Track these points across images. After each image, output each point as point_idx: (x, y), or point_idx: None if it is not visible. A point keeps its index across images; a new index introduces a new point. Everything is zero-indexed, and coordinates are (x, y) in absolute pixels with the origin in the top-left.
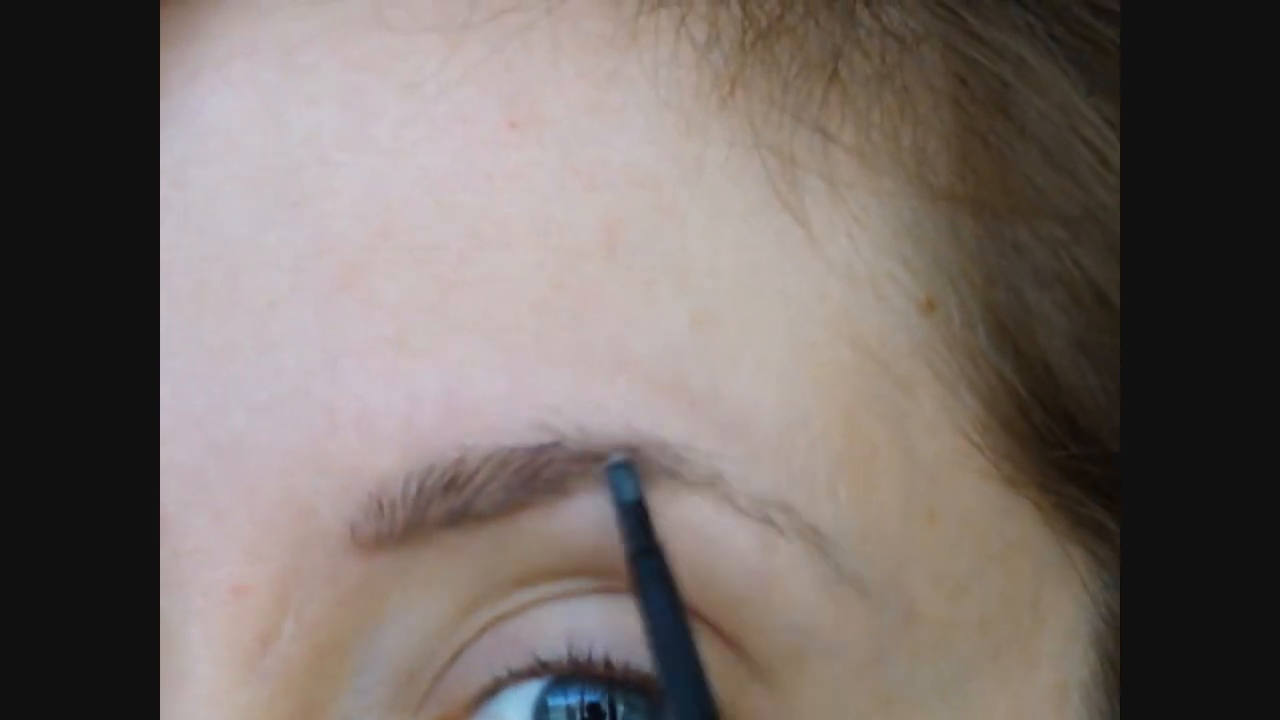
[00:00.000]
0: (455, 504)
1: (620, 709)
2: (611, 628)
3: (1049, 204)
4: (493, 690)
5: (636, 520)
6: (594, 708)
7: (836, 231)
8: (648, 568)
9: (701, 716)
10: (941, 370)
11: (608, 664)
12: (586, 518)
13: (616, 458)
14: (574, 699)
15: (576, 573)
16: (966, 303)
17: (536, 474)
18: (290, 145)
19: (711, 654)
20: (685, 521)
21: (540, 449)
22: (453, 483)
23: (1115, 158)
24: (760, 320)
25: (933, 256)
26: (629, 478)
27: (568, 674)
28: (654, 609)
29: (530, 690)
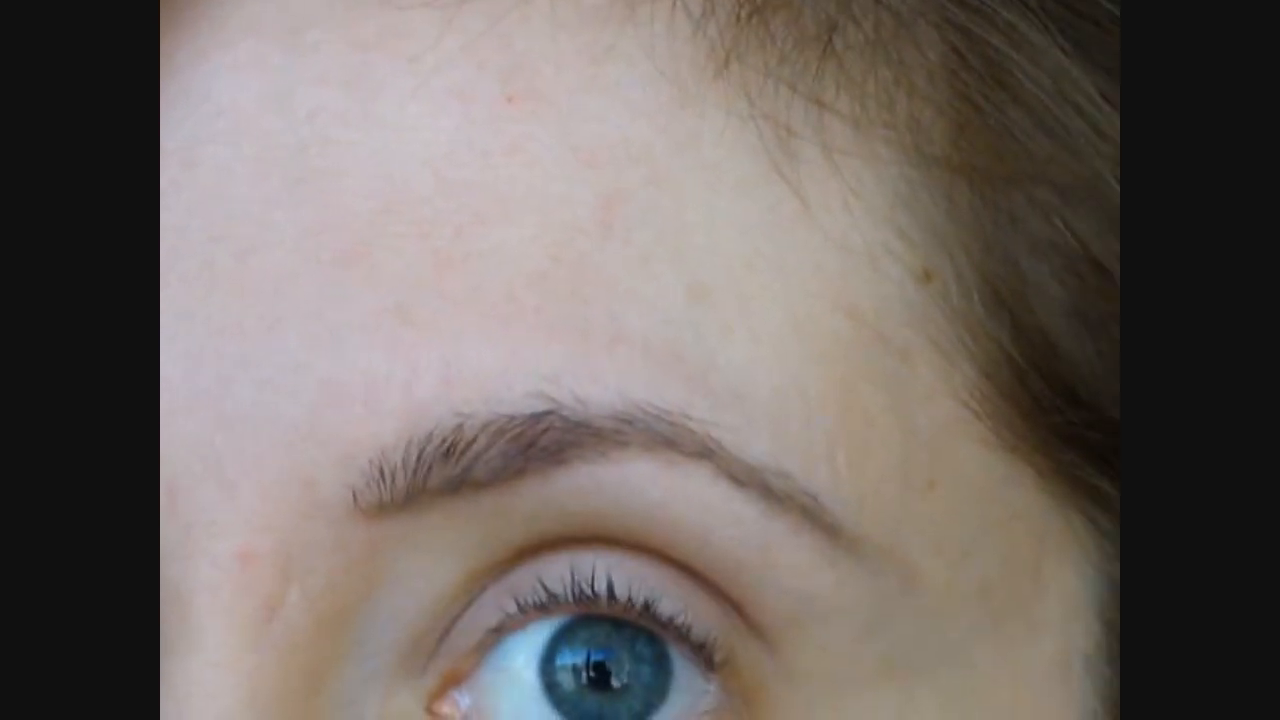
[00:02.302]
0: (454, 471)
1: (627, 665)
2: (615, 567)
3: (1044, 172)
4: (498, 631)
5: None
6: (600, 666)
7: (832, 202)
8: None
9: None
10: (939, 340)
11: (611, 596)
12: (583, 485)
13: None
14: (580, 657)
15: (578, 540)
16: (963, 272)
17: (533, 442)
18: (297, 124)
19: (713, 611)
20: (683, 489)
21: (537, 417)
22: (451, 450)
23: (1111, 128)
24: (756, 292)
25: (929, 226)
26: None
27: (575, 615)
28: None
29: (537, 637)
